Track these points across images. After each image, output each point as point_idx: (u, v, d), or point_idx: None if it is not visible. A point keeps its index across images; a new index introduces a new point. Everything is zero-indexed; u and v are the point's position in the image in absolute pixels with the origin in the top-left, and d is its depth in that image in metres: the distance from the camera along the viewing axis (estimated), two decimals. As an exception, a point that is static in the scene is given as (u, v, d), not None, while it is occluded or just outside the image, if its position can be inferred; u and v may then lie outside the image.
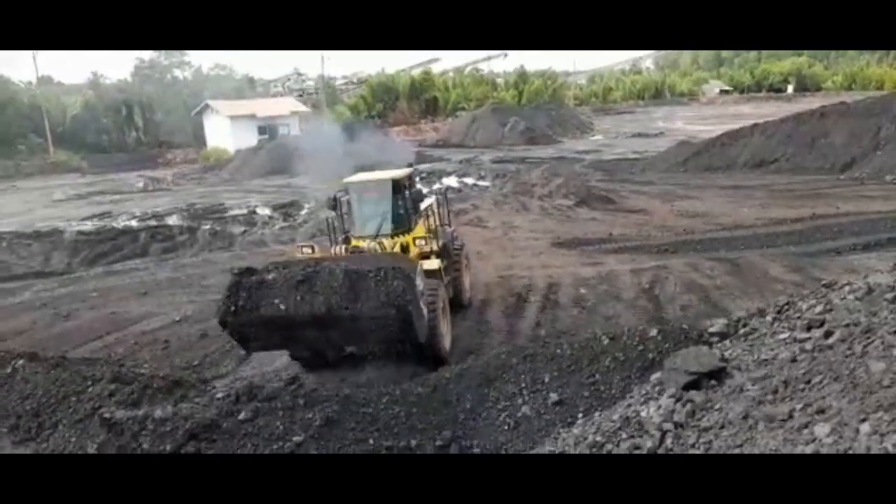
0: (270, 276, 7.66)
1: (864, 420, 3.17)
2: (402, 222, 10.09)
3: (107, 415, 7.05)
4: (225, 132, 44.59)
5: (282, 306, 7.44)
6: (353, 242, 9.55)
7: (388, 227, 9.91)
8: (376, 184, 10.28)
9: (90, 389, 7.62)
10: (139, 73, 56.61)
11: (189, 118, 48.27)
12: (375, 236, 9.65)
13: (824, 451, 3.18)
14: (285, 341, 8.24)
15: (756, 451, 3.53)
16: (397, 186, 10.12)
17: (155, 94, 52.64)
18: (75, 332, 10.69)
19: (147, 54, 56.20)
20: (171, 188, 32.79)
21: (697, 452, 4.02)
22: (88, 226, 22.02)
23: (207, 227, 21.07)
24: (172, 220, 22.54)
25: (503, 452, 6.65)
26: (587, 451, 5.02)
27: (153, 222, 22.33)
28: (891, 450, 2.94)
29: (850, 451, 3.11)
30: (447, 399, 7.46)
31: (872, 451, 3.01)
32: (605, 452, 4.84)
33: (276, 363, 8.97)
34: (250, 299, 7.57)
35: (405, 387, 7.84)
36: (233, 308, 7.60)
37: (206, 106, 47.52)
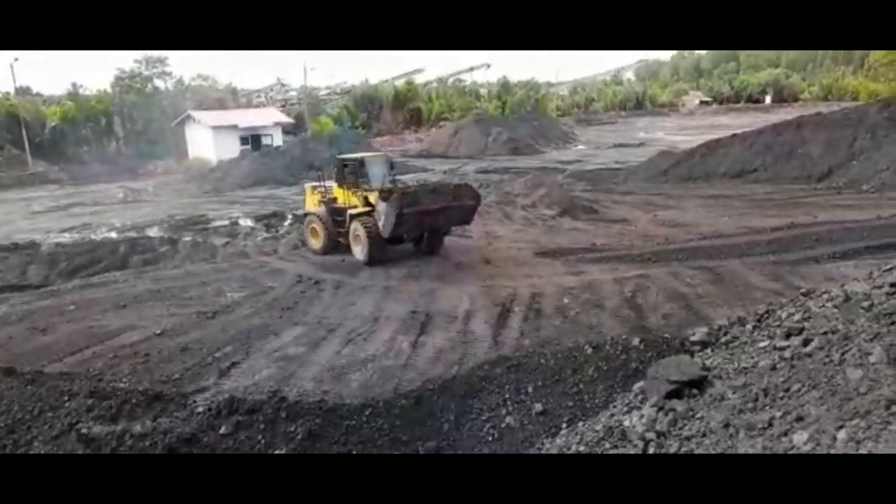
0: (412, 189, 15.64)
1: (841, 427, 3.20)
2: (387, 180, 16.43)
3: (84, 430, 6.94)
4: (207, 142, 44.21)
5: (426, 201, 14.61)
6: (366, 191, 15.80)
7: (387, 182, 16.18)
8: (380, 156, 18.43)
9: (67, 404, 7.48)
10: (119, 83, 56.05)
11: (170, 128, 47.86)
12: (381, 187, 15.52)
13: (803, 458, 3.20)
14: (415, 225, 15.03)
15: (737, 460, 3.55)
16: (388, 158, 18.11)
17: (135, 105, 52.16)
18: (52, 347, 10.47)
19: (128, 65, 55.84)
20: (151, 199, 32.44)
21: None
22: (67, 238, 21.70)
23: (189, 238, 20.84)
24: (153, 232, 22.25)
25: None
26: (571, 462, 5.02)
27: (133, 234, 22.03)
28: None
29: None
30: (431, 410, 7.45)
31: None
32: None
33: (257, 376, 8.87)
34: (411, 200, 14.30)
35: (389, 398, 7.81)
36: (406, 203, 14.05)
37: (188, 116, 47.16)
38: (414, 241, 16.28)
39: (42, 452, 6.62)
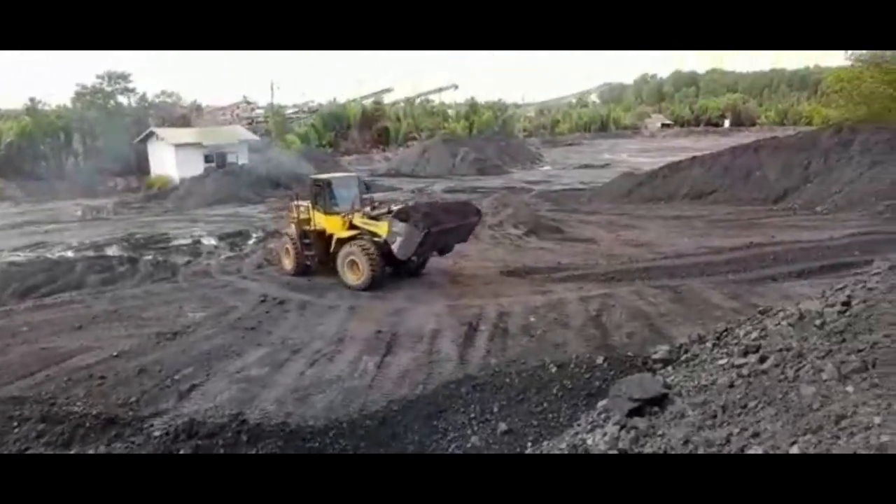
0: (428, 210, 14.53)
1: (794, 443, 3.28)
2: (359, 202, 15.80)
3: (33, 457, 6.67)
4: (169, 160, 43.46)
5: (445, 220, 14.25)
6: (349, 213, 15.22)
7: (357, 204, 15.58)
8: (351, 177, 17.52)
9: (16, 430, 7.21)
10: (80, 99, 54.85)
11: (132, 145, 46.95)
12: (351, 210, 15.24)
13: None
14: (432, 243, 14.45)
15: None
16: (359, 180, 17.35)
17: (97, 121, 51.06)
18: (3, 369, 10.04)
19: (89, 80, 54.76)
20: (111, 217, 31.69)
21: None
22: (20, 257, 21.01)
23: (149, 257, 20.39)
24: (112, 251, 21.74)
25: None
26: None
27: (91, 253, 21.46)
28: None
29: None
30: (395, 431, 7.37)
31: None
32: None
33: (217, 399, 8.66)
34: (434, 220, 13.89)
35: (353, 420, 7.71)
36: (434, 222, 13.75)
37: (151, 133, 46.36)
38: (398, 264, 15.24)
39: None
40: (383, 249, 14.36)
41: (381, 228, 14.45)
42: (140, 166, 46.37)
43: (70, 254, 21.47)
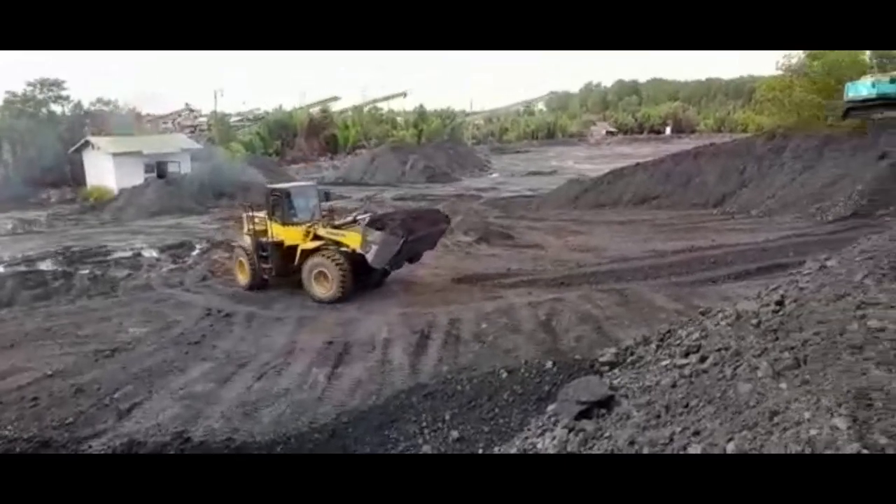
0: (404, 217, 14.52)
1: (730, 440, 3.39)
2: (319, 212, 15.71)
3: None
4: (107, 170, 41.80)
5: (419, 228, 14.20)
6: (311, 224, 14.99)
7: (317, 214, 15.52)
8: (309, 186, 17.21)
9: (-62, 458, 6.75)
10: (9, 107, 52.27)
11: (66, 155, 44.95)
12: (310, 220, 15.04)
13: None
14: (406, 252, 14.06)
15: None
16: (318, 189, 16.83)
17: (28, 130, 48.70)
18: (-76, 394, 9.47)
19: (20, 88, 52.20)
20: (44, 230, 30.28)
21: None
22: (-55, 273, 19.82)
23: (86, 271, 19.54)
24: (45, 265, 20.74)
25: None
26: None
27: (23, 267, 20.41)
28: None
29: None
30: (345, 444, 7.27)
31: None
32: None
33: (160, 417, 8.36)
34: (410, 228, 13.70)
35: (302, 433, 7.58)
36: (410, 230, 13.60)
37: (87, 142, 44.53)
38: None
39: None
40: (352, 260, 14.02)
41: (351, 238, 14.09)
42: (75, 177, 44.49)
43: (0, 268, 20.39)
